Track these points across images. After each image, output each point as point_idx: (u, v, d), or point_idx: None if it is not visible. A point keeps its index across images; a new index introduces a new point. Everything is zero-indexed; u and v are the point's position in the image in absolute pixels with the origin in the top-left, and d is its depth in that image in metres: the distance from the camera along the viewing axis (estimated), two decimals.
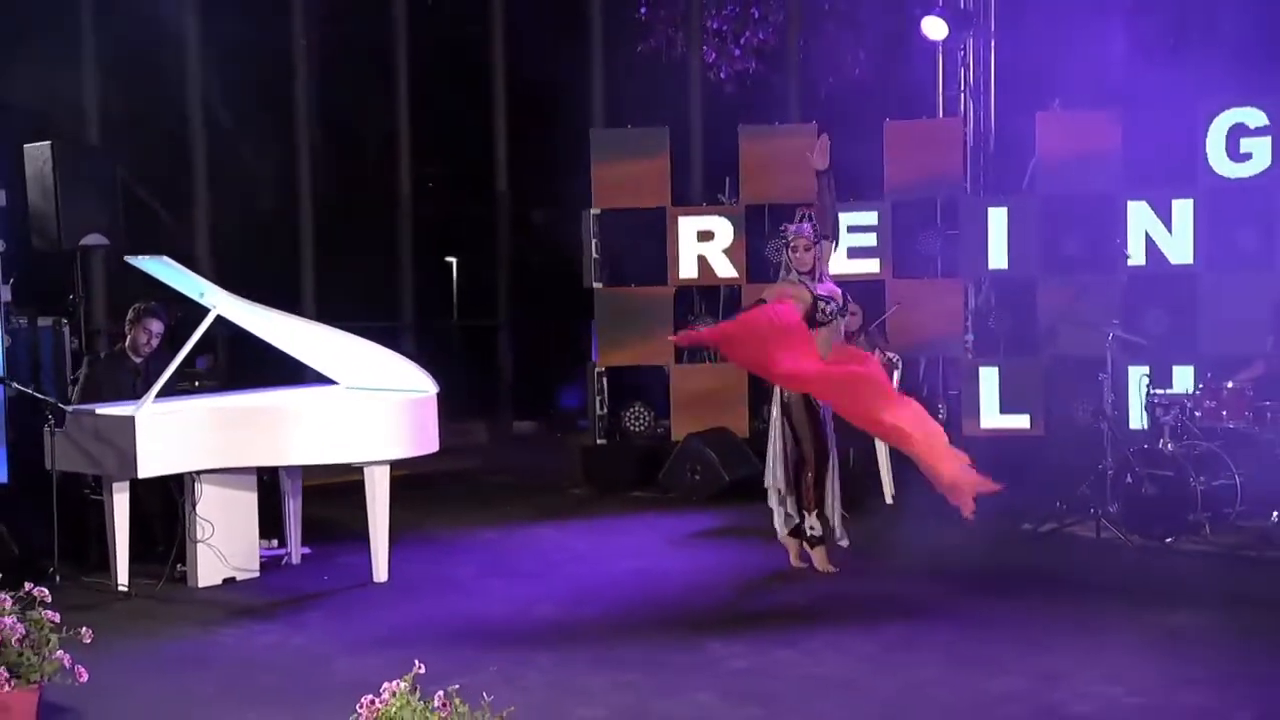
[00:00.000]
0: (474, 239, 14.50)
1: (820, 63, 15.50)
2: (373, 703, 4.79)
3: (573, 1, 14.74)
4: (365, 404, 8.49)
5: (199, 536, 8.34)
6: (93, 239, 9.74)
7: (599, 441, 11.73)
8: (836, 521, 8.62)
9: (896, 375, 10.59)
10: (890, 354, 10.56)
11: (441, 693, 4.89)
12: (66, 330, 10.66)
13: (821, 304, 8.29)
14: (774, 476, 8.66)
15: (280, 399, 8.76)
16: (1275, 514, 9.15)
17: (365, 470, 8.43)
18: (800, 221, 8.50)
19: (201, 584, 8.40)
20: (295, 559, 9.03)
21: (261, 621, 7.86)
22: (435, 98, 14.20)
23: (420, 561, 9.00)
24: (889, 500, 10.63)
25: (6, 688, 5.72)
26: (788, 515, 8.64)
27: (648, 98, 14.63)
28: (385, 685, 4.96)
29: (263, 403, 8.61)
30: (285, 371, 11.13)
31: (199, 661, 7.02)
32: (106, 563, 8.45)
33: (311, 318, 10.15)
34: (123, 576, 8.17)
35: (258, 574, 8.67)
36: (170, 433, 8.04)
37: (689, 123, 14.50)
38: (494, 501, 11.10)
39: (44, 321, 10.59)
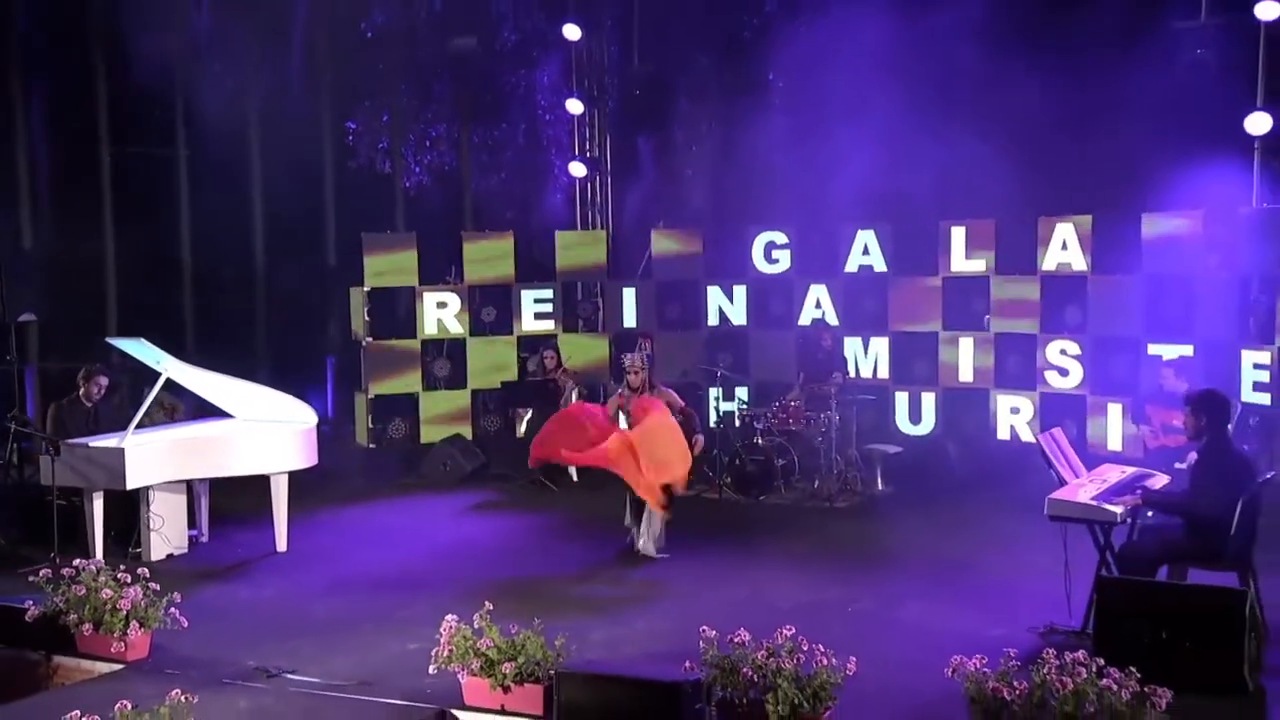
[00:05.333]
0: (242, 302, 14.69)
1: (479, 179, 15.97)
2: (450, 627, 5.72)
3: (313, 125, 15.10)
4: (276, 432, 8.88)
5: (154, 526, 8.59)
6: (26, 316, 9.77)
7: (370, 446, 12.21)
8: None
9: (575, 393, 11.66)
10: (582, 387, 11.73)
11: (480, 616, 5.79)
12: None
13: (628, 406, 8.58)
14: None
15: (220, 430, 8.99)
16: (816, 481, 10.31)
17: (272, 477, 8.83)
18: (636, 352, 8.81)
19: (154, 558, 8.49)
20: (205, 538, 9.21)
21: (225, 583, 8.06)
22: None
23: (293, 538, 8.91)
24: (574, 478, 11.02)
25: (137, 633, 6.33)
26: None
27: (363, 202, 15.23)
28: (448, 616, 5.88)
29: (209, 433, 8.90)
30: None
31: (212, 612, 7.09)
32: (67, 549, 8.22)
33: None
34: (99, 556, 8.08)
35: (187, 550, 8.88)
36: (148, 456, 8.29)
37: (395, 223, 15.15)
38: (304, 491, 10.27)
39: None
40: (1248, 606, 5.79)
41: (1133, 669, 4.77)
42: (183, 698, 4.63)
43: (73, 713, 4.47)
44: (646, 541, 8.47)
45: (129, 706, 4.52)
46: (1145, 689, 4.68)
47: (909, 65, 11.79)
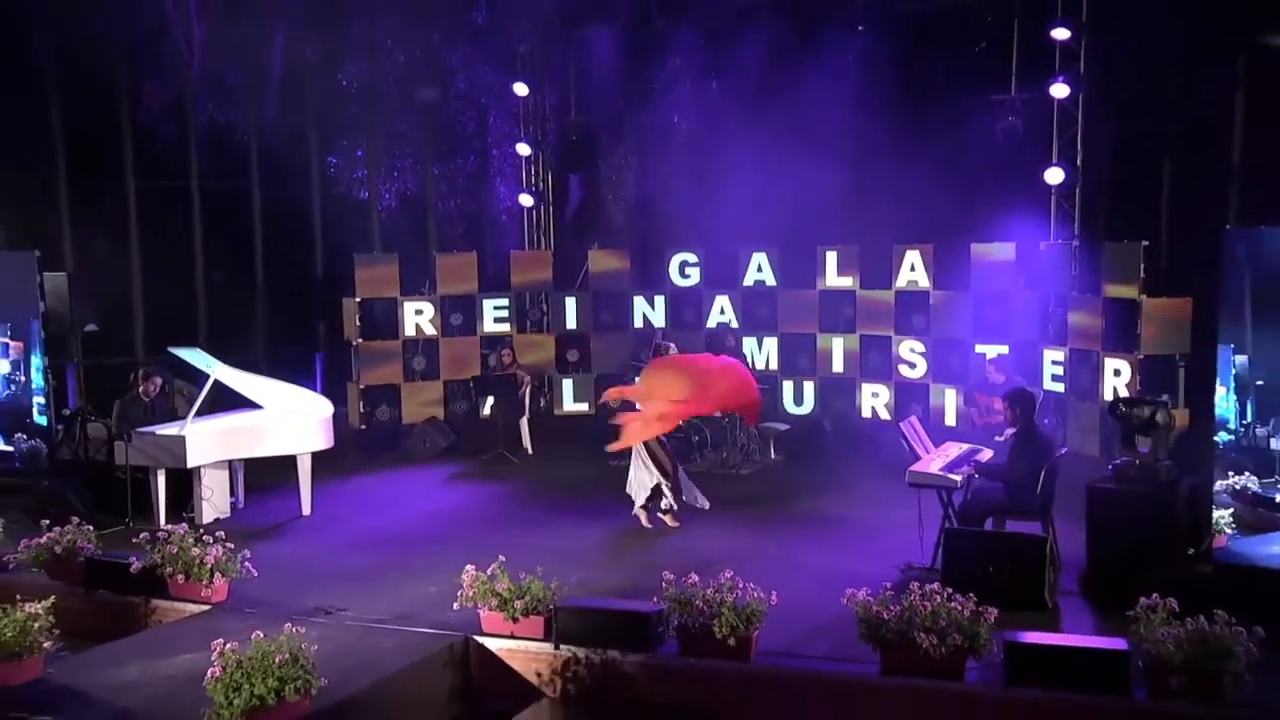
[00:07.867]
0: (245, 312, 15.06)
1: (440, 203, 16.28)
2: (471, 574, 6.36)
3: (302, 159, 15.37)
4: (302, 420, 9.27)
5: (205, 496, 9.02)
6: (90, 328, 10.07)
7: (361, 426, 12.38)
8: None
9: (528, 385, 12.28)
10: (533, 377, 12.22)
11: (496, 566, 6.47)
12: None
13: None
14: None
15: (257, 419, 9.32)
16: (724, 453, 10.79)
17: (299, 456, 9.26)
18: (664, 341, 8.97)
19: (204, 522, 8.80)
20: (241, 504, 9.58)
21: (269, 541, 8.37)
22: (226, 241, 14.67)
23: (313, 504, 9.19)
24: (529, 451, 11.65)
25: (220, 581, 6.85)
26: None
27: (344, 223, 15.57)
28: (468, 566, 6.51)
29: (249, 422, 9.25)
30: None
31: (265, 564, 7.13)
32: (131, 514, 8.73)
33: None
34: (162, 520, 8.63)
35: (230, 515, 9.24)
36: (203, 440, 8.70)
37: (371, 240, 15.46)
38: (313, 465, 10.14)
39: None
40: (1048, 547, 6.84)
41: (971, 594, 5.71)
42: (295, 629, 5.27)
43: (218, 640, 5.09)
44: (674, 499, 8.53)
45: (260, 635, 5.14)
46: (979, 608, 5.59)
47: (790, 117, 12.42)
